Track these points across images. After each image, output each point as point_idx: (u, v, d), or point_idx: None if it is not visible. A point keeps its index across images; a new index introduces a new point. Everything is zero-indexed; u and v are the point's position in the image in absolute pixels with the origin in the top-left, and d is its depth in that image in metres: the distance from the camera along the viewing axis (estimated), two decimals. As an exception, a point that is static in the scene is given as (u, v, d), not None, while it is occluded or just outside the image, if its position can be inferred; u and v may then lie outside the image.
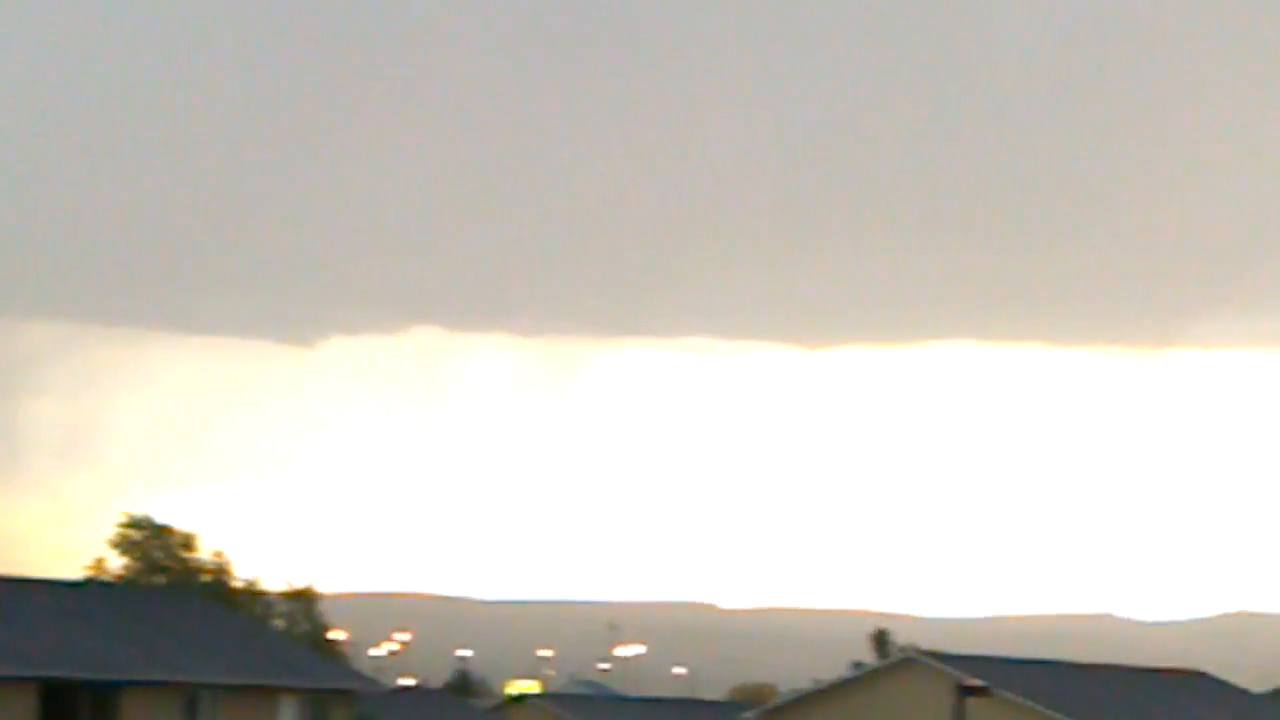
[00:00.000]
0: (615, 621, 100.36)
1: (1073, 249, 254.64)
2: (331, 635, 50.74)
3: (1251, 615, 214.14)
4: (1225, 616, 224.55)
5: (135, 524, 45.21)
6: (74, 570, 44.51)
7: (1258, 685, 40.49)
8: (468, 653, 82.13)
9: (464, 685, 66.97)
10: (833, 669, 45.98)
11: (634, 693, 66.28)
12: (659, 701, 52.85)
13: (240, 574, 46.40)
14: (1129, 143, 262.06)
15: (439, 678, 71.26)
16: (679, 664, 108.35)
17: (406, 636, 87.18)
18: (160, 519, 44.99)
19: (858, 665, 49.87)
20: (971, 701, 23.56)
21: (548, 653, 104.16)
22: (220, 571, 45.73)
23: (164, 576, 43.62)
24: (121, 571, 45.51)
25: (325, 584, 50.22)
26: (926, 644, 39.90)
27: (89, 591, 37.47)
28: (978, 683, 25.45)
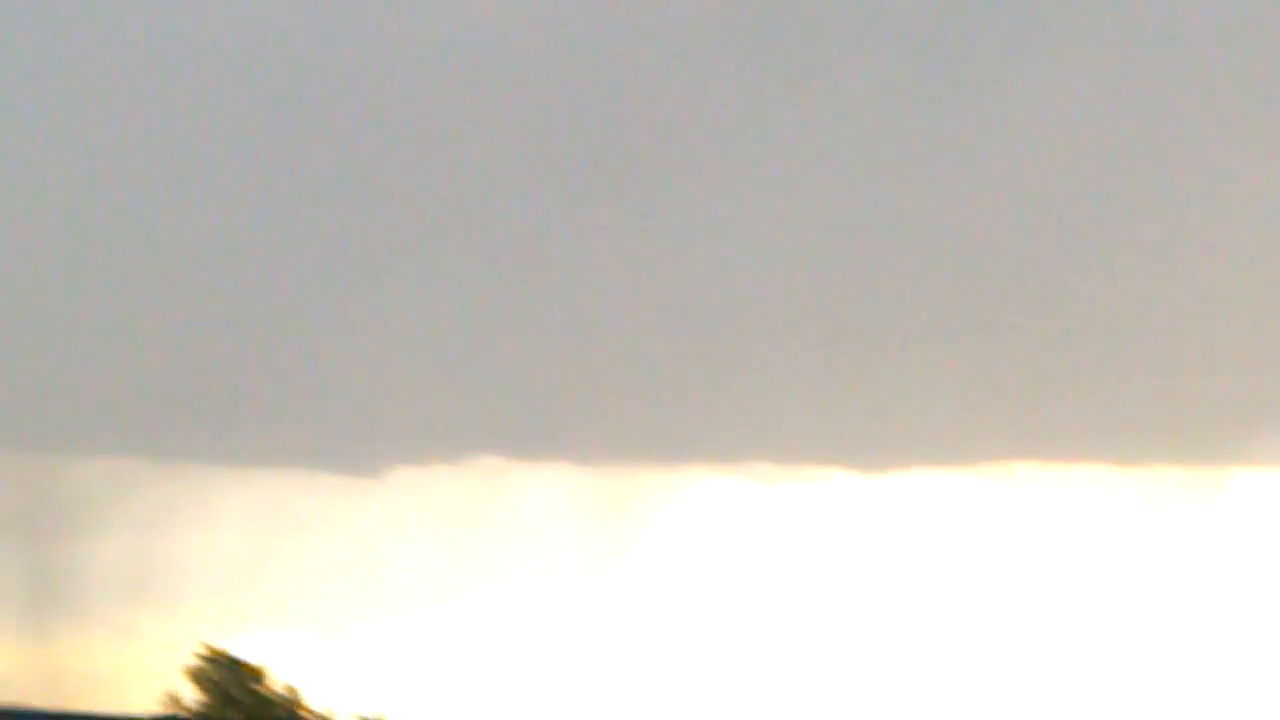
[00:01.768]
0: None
1: (1133, 367, 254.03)
2: (404, 766, 52.52)
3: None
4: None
5: (210, 658, 46.11)
6: (146, 705, 45.85)
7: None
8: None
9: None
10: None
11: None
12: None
13: (313, 707, 47.44)
14: (1187, 262, 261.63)
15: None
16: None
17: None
18: (233, 653, 46.06)
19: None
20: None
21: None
22: (293, 705, 46.57)
23: (238, 711, 44.65)
24: (196, 706, 46.50)
25: (397, 716, 51.18)
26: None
27: (159, 728, 40.39)
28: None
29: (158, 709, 40.21)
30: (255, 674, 43.24)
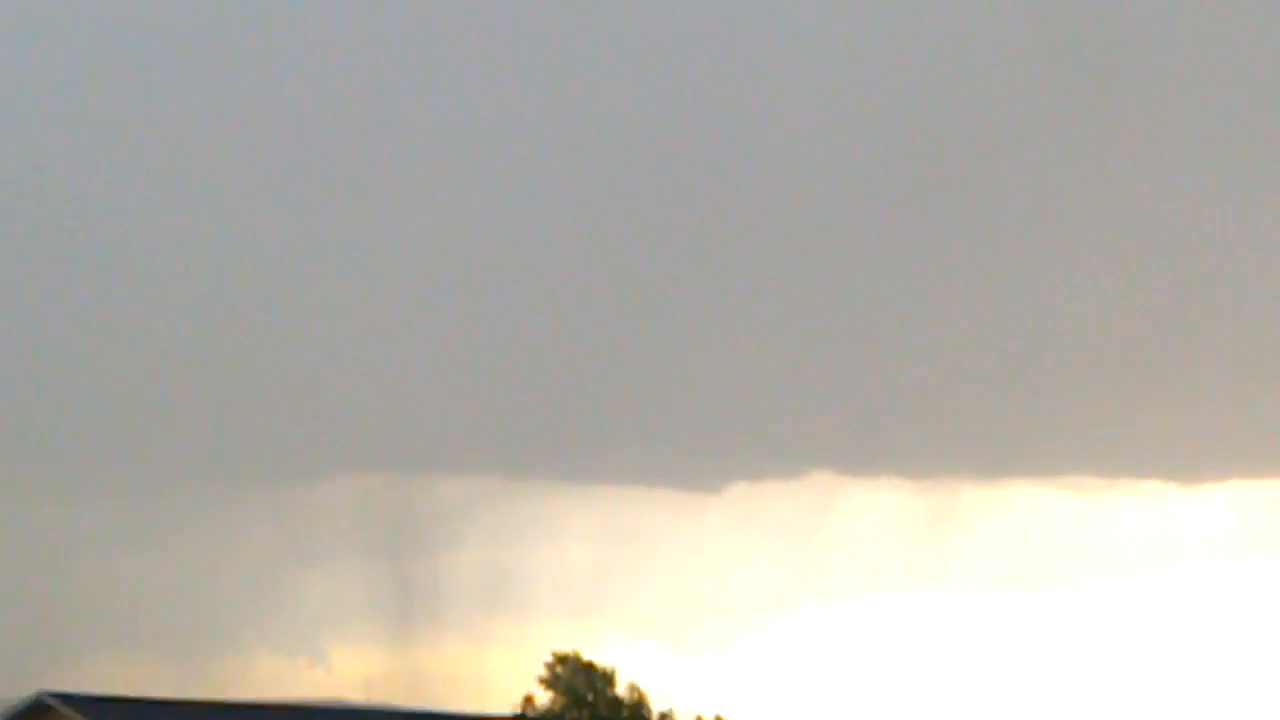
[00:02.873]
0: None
1: None
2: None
3: None
4: None
5: (561, 662, 48.15)
6: (502, 707, 47.99)
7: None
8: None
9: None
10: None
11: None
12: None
13: (656, 707, 49.43)
14: None
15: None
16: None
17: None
18: (584, 657, 48.13)
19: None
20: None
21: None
22: (639, 706, 48.59)
23: (587, 711, 46.43)
24: (549, 706, 48.59)
25: (733, 715, 53.29)
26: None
27: (526, 728, 42.28)
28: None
29: (513, 710, 42.16)
30: (605, 677, 44.76)
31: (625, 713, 41.80)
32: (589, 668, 42.20)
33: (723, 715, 46.78)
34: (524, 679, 45.38)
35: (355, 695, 50.94)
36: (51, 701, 27.66)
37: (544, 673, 42.91)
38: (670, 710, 44.34)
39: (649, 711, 42.97)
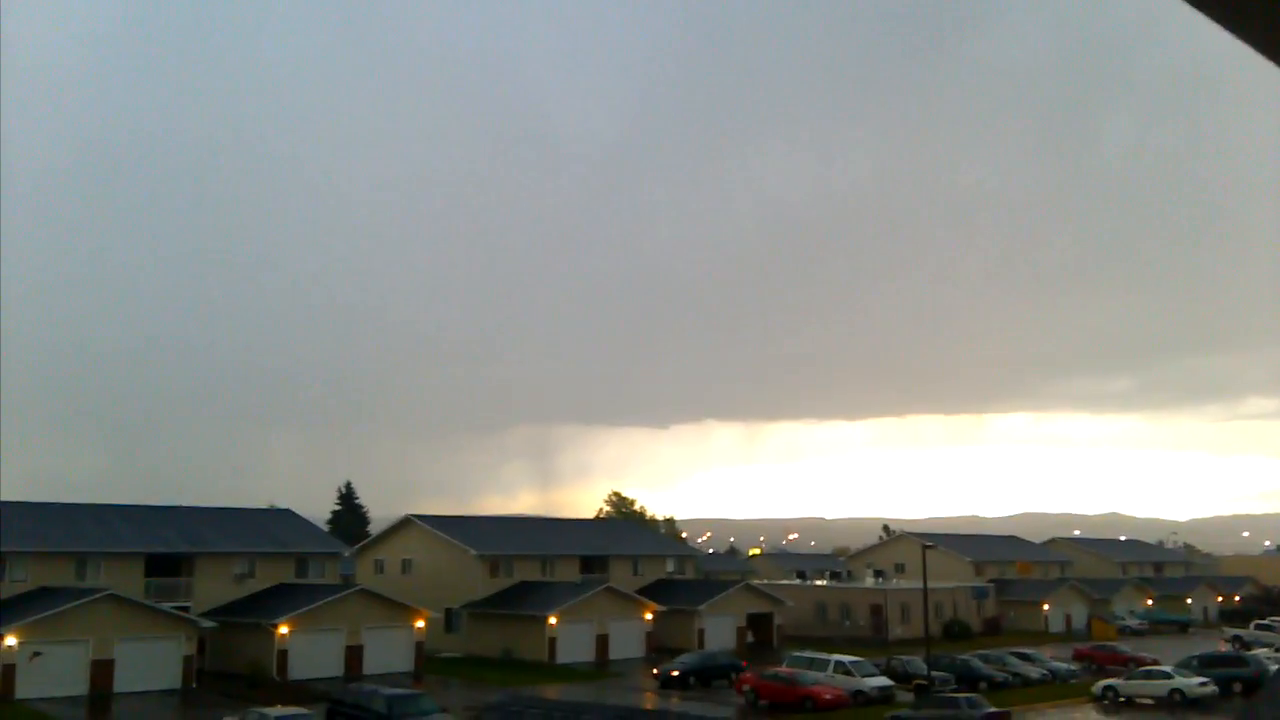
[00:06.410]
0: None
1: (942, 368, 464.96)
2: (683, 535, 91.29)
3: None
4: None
5: (616, 498, 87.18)
6: (589, 514, 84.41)
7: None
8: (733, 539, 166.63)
9: (731, 551, 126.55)
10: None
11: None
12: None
13: (650, 514, 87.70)
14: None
15: (722, 548, 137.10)
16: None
17: (709, 536, 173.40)
18: (624, 495, 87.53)
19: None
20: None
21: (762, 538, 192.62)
22: (642, 513, 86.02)
23: (623, 515, 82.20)
24: (609, 514, 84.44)
25: (679, 515, 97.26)
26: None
27: (594, 522, 66.47)
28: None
29: (595, 514, 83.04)
30: (629, 501, 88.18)
31: (636, 517, 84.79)
32: (624, 499, 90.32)
33: (673, 516, 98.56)
34: (597, 502, 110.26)
35: (530, 511, 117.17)
36: (412, 519, 46.48)
37: (606, 499, 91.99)
38: (653, 515, 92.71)
39: (646, 515, 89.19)
